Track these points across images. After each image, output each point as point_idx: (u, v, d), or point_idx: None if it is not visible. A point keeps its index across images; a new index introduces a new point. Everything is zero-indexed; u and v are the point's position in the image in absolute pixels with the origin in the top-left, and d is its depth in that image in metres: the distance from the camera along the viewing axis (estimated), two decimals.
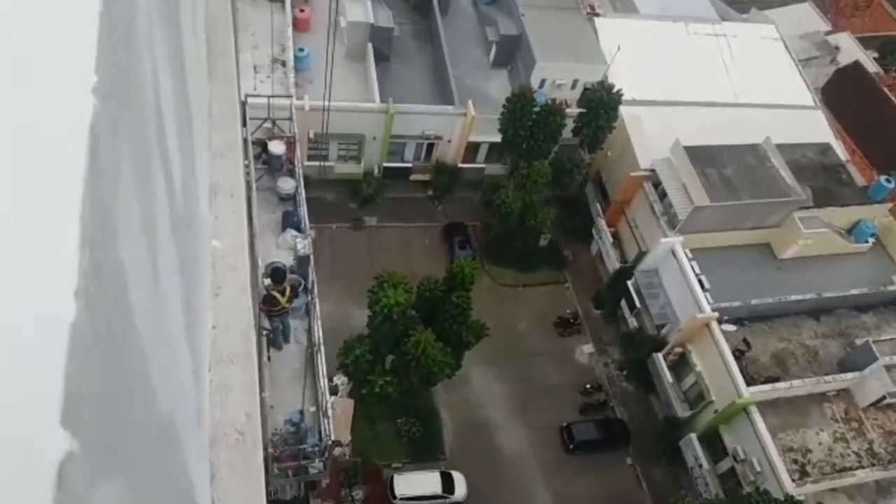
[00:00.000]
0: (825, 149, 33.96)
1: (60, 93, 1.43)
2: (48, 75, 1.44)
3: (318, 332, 16.03)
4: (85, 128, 1.43)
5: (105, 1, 1.65)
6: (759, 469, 26.17)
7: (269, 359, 15.02)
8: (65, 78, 1.47)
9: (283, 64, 30.48)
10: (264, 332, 14.93)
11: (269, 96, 19.04)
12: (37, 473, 1.15)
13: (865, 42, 46.43)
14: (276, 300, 14.11)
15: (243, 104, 15.08)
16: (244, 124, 15.74)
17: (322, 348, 15.88)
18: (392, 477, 26.94)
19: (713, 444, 28.56)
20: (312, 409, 14.92)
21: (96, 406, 1.38)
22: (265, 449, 11.30)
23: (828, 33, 45.46)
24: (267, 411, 13.06)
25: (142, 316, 2.01)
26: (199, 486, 3.83)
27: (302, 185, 18.93)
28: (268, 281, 14.52)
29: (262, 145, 19.17)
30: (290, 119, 19.69)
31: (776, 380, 28.03)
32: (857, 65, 42.92)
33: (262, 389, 11.11)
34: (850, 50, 44.64)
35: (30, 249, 1.21)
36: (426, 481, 27.06)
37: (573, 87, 33.86)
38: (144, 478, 2.10)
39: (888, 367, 27.49)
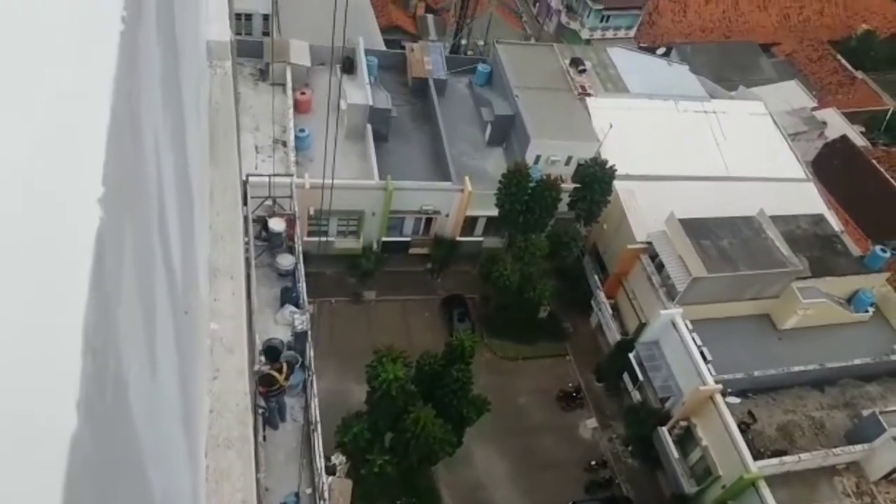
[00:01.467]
0: (819, 220, 34.37)
1: (68, 206, 1.51)
2: (57, 189, 1.51)
3: (315, 410, 15.81)
4: (91, 237, 1.50)
5: (113, 113, 1.75)
6: None
7: (264, 438, 14.75)
8: (72, 191, 1.54)
9: (284, 144, 31.23)
10: (260, 412, 14.72)
11: (270, 175, 19.41)
12: None
13: (851, 117, 47.73)
14: (273, 379, 13.95)
15: (244, 183, 15.37)
16: (245, 203, 16.00)
17: (319, 427, 15.61)
18: None
19: None
20: (309, 490, 14.54)
21: (96, 497, 1.40)
22: None
23: (814, 109, 46.79)
24: (262, 494, 12.74)
25: (139, 410, 2.04)
26: None
27: (301, 261, 19.08)
28: (263, 360, 14.42)
29: (262, 223, 19.44)
30: (291, 197, 20.04)
31: (784, 453, 27.45)
32: (844, 139, 44.00)
33: (257, 471, 10.89)
34: (837, 125, 45.84)
35: (33, 362, 1.26)
36: None
37: (567, 163, 34.57)
38: None
39: None
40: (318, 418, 15.50)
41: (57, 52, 1.67)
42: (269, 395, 14.29)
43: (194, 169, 4.48)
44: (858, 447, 27.75)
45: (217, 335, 5.72)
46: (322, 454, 15.07)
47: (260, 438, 13.82)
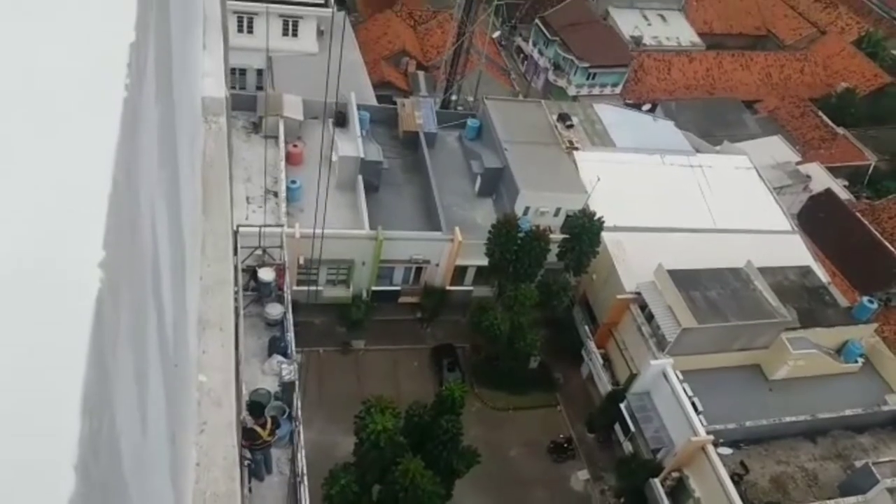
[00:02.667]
0: (806, 271, 34.73)
1: (69, 270, 1.57)
2: (58, 254, 1.58)
3: (302, 462, 15.57)
4: (91, 300, 1.57)
5: (114, 181, 1.83)
6: None
7: (250, 490, 14.48)
8: (73, 256, 1.60)
9: (276, 195, 31.49)
10: (246, 463, 14.48)
11: (260, 226, 19.55)
12: None
13: (835, 171, 48.70)
14: (256, 434, 13.78)
15: (235, 234, 15.47)
16: (235, 253, 16.06)
17: (305, 479, 15.36)
18: None
19: None
20: None
21: None
22: None
23: (798, 163, 47.73)
24: None
25: (130, 467, 2.07)
26: None
27: (290, 310, 19.05)
28: (246, 415, 14.25)
29: (252, 272, 19.46)
30: (281, 246, 20.13)
31: None
32: (829, 192, 44.81)
33: None
34: (821, 178, 46.71)
35: (32, 430, 1.29)
36: None
37: (556, 214, 34.99)
38: None
39: (891, 490, 26.75)
40: (305, 470, 15.26)
41: (61, 120, 1.76)
42: (254, 447, 14.10)
43: (187, 223, 4.57)
44: (852, 499, 27.51)
45: (205, 388, 5.71)
46: None
47: (246, 491, 13.56)
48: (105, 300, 1.62)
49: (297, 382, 17.25)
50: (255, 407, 15.24)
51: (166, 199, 3.47)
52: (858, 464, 29.08)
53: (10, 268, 1.46)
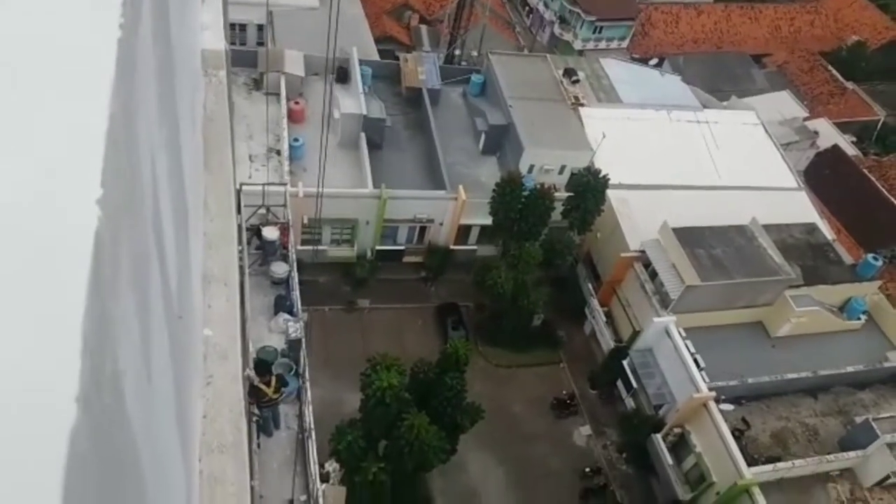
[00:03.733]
0: (811, 228, 34.59)
1: (68, 207, 1.55)
2: (57, 189, 1.55)
3: (310, 418, 15.79)
4: (90, 238, 1.54)
5: (111, 118, 1.79)
6: None
7: (258, 446, 14.72)
8: (72, 192, 1.58)
9: (278, 153, 31.28)
10: (254, 419, 14.69)
11: (263, 184, 19.45)
12: None
13: (843, 127, 48.13)
14: (262, 393, 13.92)
15: (238, 192, 15.40)
16: (239, 211, 16.02)
17: (313, 434, 15.59)
18: None
19: None
20: (303, 497, 14.51)
21: (94, 496, 1.43)
22: None
23: (806, 119, 47.17)
24: (257, 501, 12.70)
25: (135, 410, 2.07)
26: None
27: (295, 269, 19.10)
28: (251, 372, 14.40)
29: (255, 231, 19.46)
30: (285, 205, 20.08)
31: (778, 459, 27.53)
32: (836, 148, 44.36)
33: (251, 478, 10.87)
34: (828, 134, 46.21)
35: (33, 358, 1.30)
36: None
37: (560, 172, 34.73)
38: None
39: (890, 446, 27.09)
40: (313, 426, 15.48)
41: (57, 57, 1.72)
42: (262, 404, 14.27)
43: (189, 175, 4.53)
44: (852, 454, 27.86)
45: (211, 341, 5.74)
46: (316, 461, 15.04)
47: (254, 446, 13.79)
48: (104, 238, 1.60)
49: (303, 340, 17.38)
50: (262, 365, 15.40)
51: (166, 147, 3.41)
52: (859, 420, 29.39)
53: (8, 204, 1.44)
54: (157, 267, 2.84)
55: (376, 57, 40.17)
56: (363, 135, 33.67)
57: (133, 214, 2.18)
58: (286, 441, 15.44)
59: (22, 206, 1.43)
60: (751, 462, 26.73)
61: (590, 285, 35.00)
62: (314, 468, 14.88)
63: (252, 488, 11.54)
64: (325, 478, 21.50)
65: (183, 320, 4.13)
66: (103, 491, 1.62)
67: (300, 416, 16.04)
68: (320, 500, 14.42)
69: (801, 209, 36.04)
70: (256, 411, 14.63)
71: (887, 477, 27.44)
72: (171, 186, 3.54)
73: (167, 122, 3.56)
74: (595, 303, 34.31)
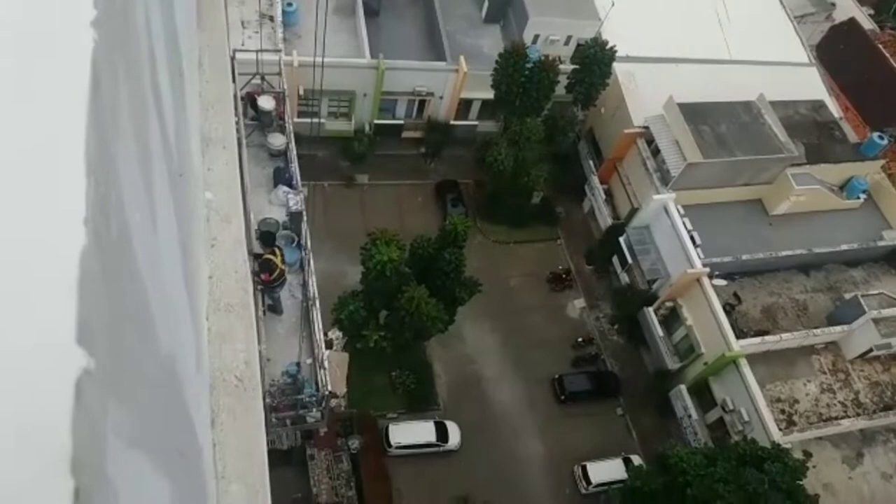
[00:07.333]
0: (819, 105, 33.85)
1: (63, 26, 1.46)
2: (51, 10, 1.46)
3: (314, 287, 16.16)
4: (87, 60, 1.46)
5: None
6: (747, 419, 26.79)
7: (264, 313, 15.17)
8: (66, 12, 1.49)
9: (271, 19, 29.90)
10: (266, 305, 15.03)
11: (257, 51, 18.79)
12: (55, 390, 1.21)
13: None
14: (272, 264, 14.07)
15: (232, 59, 14.87)
16: (233, 80, 15.55)
17: (317, 303, 16.01)
18: (387, 427, 27.44)
19: (702, 395, 29.15)
20: (309, 361, 15.12)
21: (106, 331, 1.44)
22: (263, 399, 11.51)
23: None
24: (264, 364, 13.24)
25: (141, 253, 2.06)
26: (201, 429, 3.94)
27: (293, 141, 18.85)
28: (257, 243, 14.54)
29: (251, 101, 19.01)
30: (280, 74, 19.49)
31: (766, 333, 28.49)
32: (852, 21, 42.50)
33: (258, 343, 11.27)
34: (845, 6, 44.15)
35: (38, 179, 1.25)
36: (420, 430, 27.58)
37: (566, 43, 33.45)
38: (150, 413, 2.17)
39: (876, 321, 27.95)
40: (317, 294, 15.86)
41: None
42: (271, 284, 14.49)
43: (182, 28, 4.30)
44: (838, 328, 28.78)
45: (212, 205, 5.72)
46: (321, 328, 15.54)
47: (260, 313, 14.19)
48: (100, 63, 1.51)
49: (304, 212, 17.45)
50: (267, 237, 15.54)
51: None
52: (848, 296, 30.12)
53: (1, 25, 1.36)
54: (155, 114, 2.75)
55: None
56: (359, 0, 32.11)
57: (128, 49, 2.07)
58: (291, 309, 15.88)
59: (14, 25, 1.35)
60: (739, 335, 27.68)
61: (591, 162, 34.72)
62: (319, 335, 15.40)
63: (259, 352, 11.95)
64: (328, 345, 22.35)
65: (184, 179, 4.07)
66: (115, 324, 1.62)
67: (304, 285, 16.40)
68: (325, 364, 15.04)
69: (811, 85, 35.11)
70: (268, 300, 14.92)
71: (870, 350, 28.51)
72: (165, 34, 3.37)
73: None
74: (595, 180, 34.18)
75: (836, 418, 27.63)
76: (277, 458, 22.76)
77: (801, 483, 21.90)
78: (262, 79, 19.21)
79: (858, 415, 27.91)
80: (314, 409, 15.37)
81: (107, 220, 1.48)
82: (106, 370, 1.42)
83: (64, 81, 1.37)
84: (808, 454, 25.74)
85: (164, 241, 2.79)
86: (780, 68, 34.82)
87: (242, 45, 26.03)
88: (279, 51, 22.75)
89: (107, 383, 1.43)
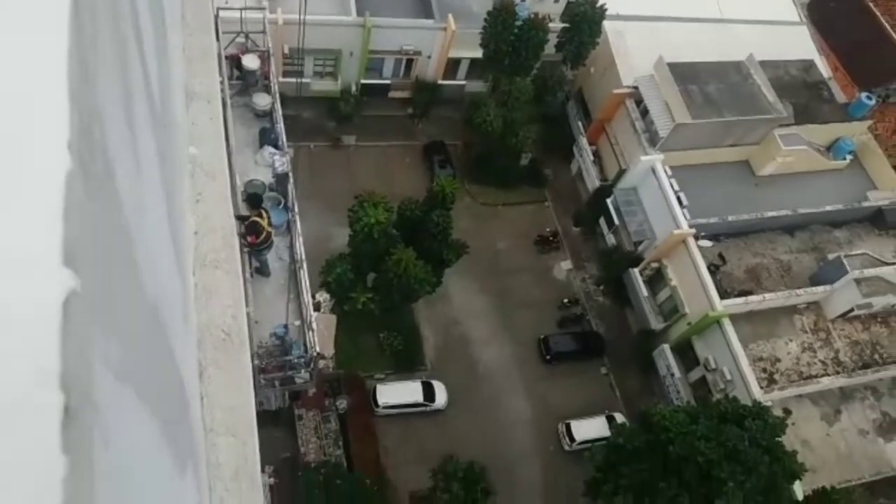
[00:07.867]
0: (808, 66, 33.75)
1: None
2: None
3: (301, 250, 16.13)
4: None
5: None
6: (729, 377, 27.28)
7: (251, 276, 15.16)
8: None
9: None
10: (253, 268, 14.98)
11: (241, 9, 18.39)
12: (43, 311, 1.23)
13: None
14: (259, 226, 13.95)
15: (215, 18, 14.59)
16: (217, 38, 15.27)
17: (305, 265, 16.01)
18: (375, 387, 27.76)
19: (685, 354, 29.61)
20: (297, 323, 15.19)
21: (91, 260, 1.46)
22: (251, 361, 11.58)
23: None
24: (252, 326, 13.28)
25: (125, 194, 2.07)
26: (188, 381, 3.99)
27: (278, 101, 18.61)
28: (244, 205, 14.42)
29: (235, 61, 18.69)
30: (264, 33, 19.15)
31: (749, 293, 28.84)
32: None
33: (246, 304, 11.29)
34: None
35: (21, 104, 1.26)
36: (408, 390, 27.92)
37: (556, 0, 33.00)
38: (136, 352, 2.20)
39: (857, 281, 28.34)
40: (304, 256, 15.85)
41: None
42: (258, 247, 14.40)
43: None
44: (820, 288, 29.16)
45: (197, 160, 5.69)
46: (309, 290, 15.57)
47: (247, 275, 14.18)
48: None
49: (290, 174, 17.32)
50: (253, 198, 15.44)
51: None
52: (831, 256, 30.46)
53: None
54: (137, 61, 2.72)
55: None
56: None
57: None
58: (279, 271, 15.88)
59: None
60: (723, 295, 28.02)
61: (579, 123, 34.58)
62: (307, 297, 15.44)
63: (247, 314, 12.00)
64: (316, 307, 22.43)
65: (168, 130, 4.05)
66: (100, 255, 1.64)
67: (291, 247, 16.38)
68: (313, 326, 15.12)
69: (801, 45, 34.95)
70: (256, 263, 14.86)
71: (851, 310, 28.99)
72: None
73: None
74: (584, 141, 34.08)
75: (816, 376, 28.20)
76: (266, 419, 22.99)
77: (779, 440, 22.41)
78: (247, 37, 18.85)
79: (838, 373, 28.48)
80: (302, 371, 15.49)
81: (91, 153, 1.49)
82: (92, 297, 1.44)
83: (45, 7, 1.36)
84: (787, 411, 26.30)
85: (148, 187, 2.80)
86: (771, 27, 34.60)
87: (226, 2, 25.51)
88: (263, 8, 22.32)
89: (93, 310, 1.46)
